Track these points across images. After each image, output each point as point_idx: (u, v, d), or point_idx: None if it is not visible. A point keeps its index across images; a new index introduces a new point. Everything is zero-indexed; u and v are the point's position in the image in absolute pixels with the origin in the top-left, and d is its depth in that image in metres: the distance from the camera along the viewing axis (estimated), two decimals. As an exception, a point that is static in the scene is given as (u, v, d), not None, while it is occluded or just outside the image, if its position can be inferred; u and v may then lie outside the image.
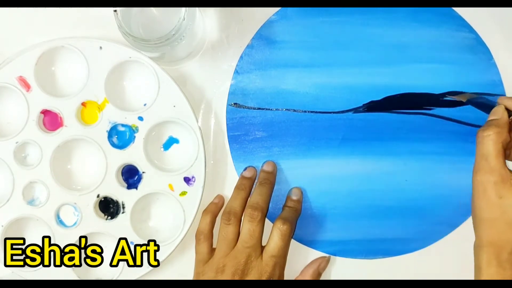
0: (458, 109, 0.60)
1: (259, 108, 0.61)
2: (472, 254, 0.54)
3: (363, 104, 0.61)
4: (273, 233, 0.57)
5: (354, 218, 0.61)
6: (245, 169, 0.61)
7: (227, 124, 0.61)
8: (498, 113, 0.55)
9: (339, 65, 0.61)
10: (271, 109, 0.61)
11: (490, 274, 0.52)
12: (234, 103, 0.61)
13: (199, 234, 0.59)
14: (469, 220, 0.59)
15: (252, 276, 0.56)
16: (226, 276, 0.56)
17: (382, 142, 0.61)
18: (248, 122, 0.62)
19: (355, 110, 0.61)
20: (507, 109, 0.55)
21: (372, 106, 0.61)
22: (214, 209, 0.61)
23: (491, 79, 0.60)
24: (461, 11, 0.61)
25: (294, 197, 0.61)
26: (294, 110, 0.61)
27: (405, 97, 0.61)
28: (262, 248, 0.58)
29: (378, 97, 0.61)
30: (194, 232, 0.60)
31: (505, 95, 0.60)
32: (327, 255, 0.61)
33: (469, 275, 0.55)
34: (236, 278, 0.56)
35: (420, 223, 0.61)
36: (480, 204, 0.53)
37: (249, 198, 0.59)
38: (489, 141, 0.52)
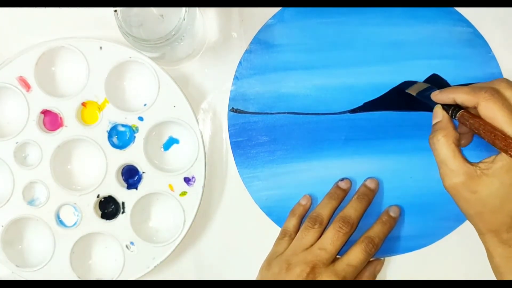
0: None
1: (260, 113, 0.61)
2: (480, 245, 0.53)
3: (364, 103, 0.60)
4: (359, 246, 0.56)
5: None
6: (341, 179, 0.60)
7: (229, 131, 0.61)
8: (438, 115, 0.54)
9: (338, 65, 0.61)
10: (273, 113, 0.61)
11: (499, 253, 0.52)
12: (235, 109, 0.61)
13: (285, 232, 0.59)
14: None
15: (321, 278, 0.55)
16: (292, 274, 0.55)
17: (385, 140, 0.60)
18: (250, 128, 0.61)
19: (357, 109, 0.61)
20: (444, 105, 0.54)
21: (373, 105, 0.60)
22: (301, 212, 0.60)
23: (490, 72, 0.60)
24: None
25: (392, 214, 0.59)
26: (296, 113, 0.61)
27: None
28: (336, 259, 0.56)
29: (379, 95, 0.61)
30: (194, 232, 0.60)
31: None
32: (381, 258, 0.60)
33: (478, 268, 0.56)
34: (301, 278, 0.55)
35: (427, 219, 0.60)
36: (462, 205, 0.53)
37: (343, 210, 0.58)
38: (441, 146, 0.52)
